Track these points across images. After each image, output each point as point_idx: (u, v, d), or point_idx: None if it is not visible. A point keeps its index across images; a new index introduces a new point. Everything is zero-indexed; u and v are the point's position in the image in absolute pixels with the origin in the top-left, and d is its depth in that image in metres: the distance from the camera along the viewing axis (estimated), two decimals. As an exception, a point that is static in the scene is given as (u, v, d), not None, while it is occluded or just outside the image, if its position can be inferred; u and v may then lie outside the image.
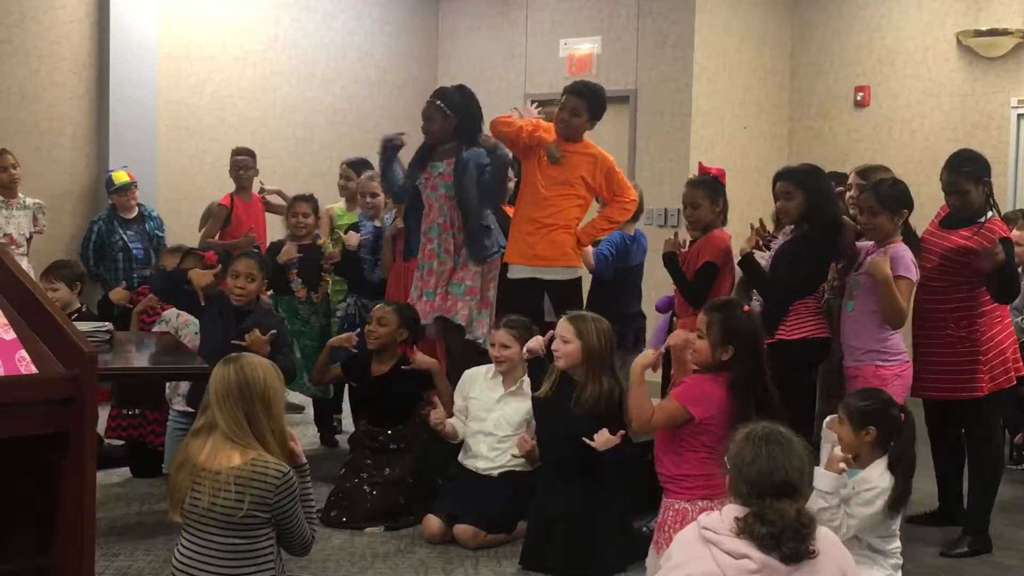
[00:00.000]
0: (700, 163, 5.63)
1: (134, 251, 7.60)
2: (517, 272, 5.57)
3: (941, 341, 4.84)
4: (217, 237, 7.41)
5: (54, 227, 7.90)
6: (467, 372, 5.20)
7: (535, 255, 5.52)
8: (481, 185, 5.50)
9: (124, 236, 7.59)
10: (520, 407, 4.96)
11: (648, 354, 4.13)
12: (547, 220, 5.49)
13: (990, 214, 4.87)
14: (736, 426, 3.15)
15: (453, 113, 5.50)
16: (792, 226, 4.95)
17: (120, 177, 7.66)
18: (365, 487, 5.14)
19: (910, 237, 4.70)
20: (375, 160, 6.26)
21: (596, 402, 4.44)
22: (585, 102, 5.49)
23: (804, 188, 4.84)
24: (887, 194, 4.64)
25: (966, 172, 4.85)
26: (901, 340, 4.68)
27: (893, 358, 4.62)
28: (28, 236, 7.36)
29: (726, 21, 8.88)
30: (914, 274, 4.57)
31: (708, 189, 5.20)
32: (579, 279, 5.64)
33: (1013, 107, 8.49)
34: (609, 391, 4.45)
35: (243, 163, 7.57)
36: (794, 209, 4.86)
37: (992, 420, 4.99)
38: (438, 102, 5.52)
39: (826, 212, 4.84)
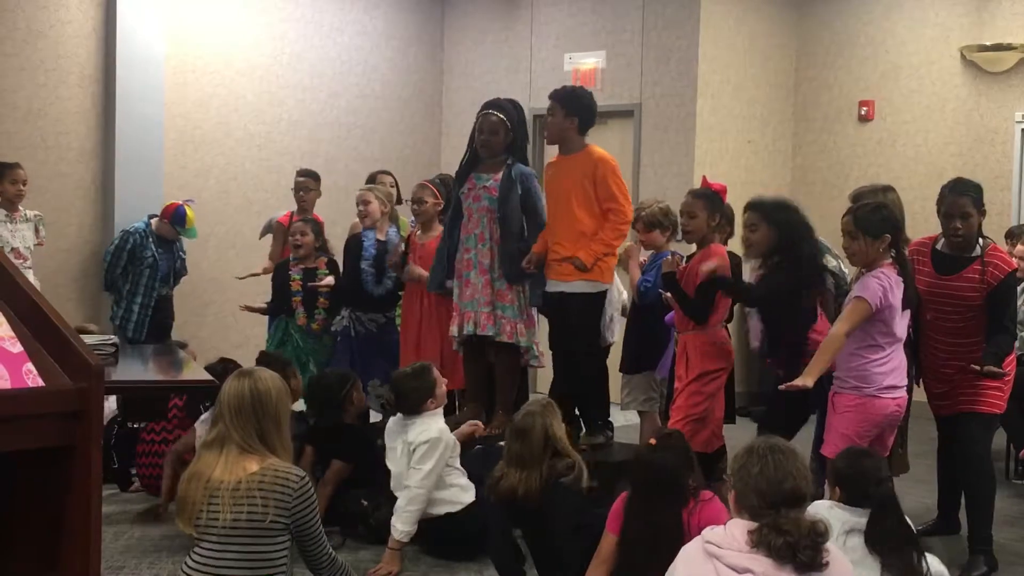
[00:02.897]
0: (704, 177, 5.62)
1: (161, 269, 7.66)
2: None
3: (970, 364, 4.79)
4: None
5: (60, 240, 7.92)
6: None
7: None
8: (525, 205, 5.51)
9: (156, 253, 7.64)
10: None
11: None
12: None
13: (981, 243, 4.84)
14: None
15: (512, 128, 5.52)
16: (760, 259, 4.89)
17: (192, 224, 7.69)
18: (363, 500, 5.18)
19: (903, 262, 4.53)
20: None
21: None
22: (556, 102, 5.47)
23: (770, 222, 4.78)
24: (864, 217, 4.48)
25: (971, 196, 4.79)
26: (877, 372, 4.43)
27: (850, 388, 4.45)
28: (31, 248, 7.38)
29: (730, 36, 8.90)
30: (875, 297, 4.34)
31: (707, 201, 5.13)
32: (588, 295, 5.64)
33: (1017, 122, 8.50)
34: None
35: (304, 185, 7.54)
36: (759, 241, 4.80)
37: (989, 438, 5.02)
38: (501, 115, 5.49)
39: (800, 245, 4.78)
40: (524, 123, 5.62)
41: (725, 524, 2.93)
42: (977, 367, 4.66)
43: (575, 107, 5.49)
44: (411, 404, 4.86)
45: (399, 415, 4.96)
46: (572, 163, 5.50)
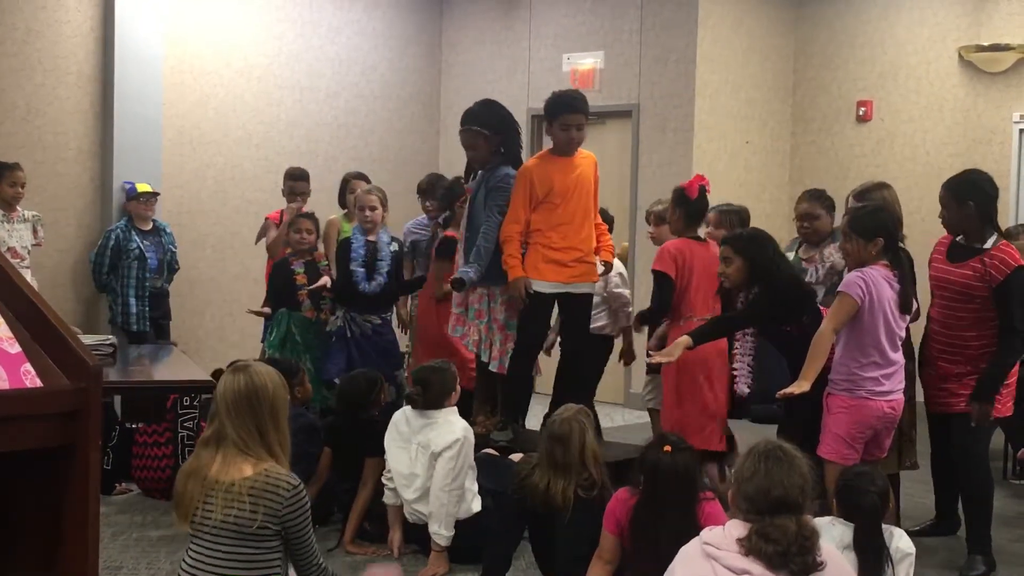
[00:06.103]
0: (698, 175, 5.68)
1: (149, 260, 7.64)
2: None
3: (974, 366, 4.81)
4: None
5: (58, 241, 7.92)
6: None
7: None
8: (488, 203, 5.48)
9: (141, 245, 7.63)
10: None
11: None
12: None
13: (992, 239, 4.84)
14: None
15: (492, 132, 5.43)
16: (741, 294, 4.93)
17: (144, 186, 7.77)
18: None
19: (898, 263, 4.54)
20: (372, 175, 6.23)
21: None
22: (582, 115, 5.41)
23: (743, 255, 4.81)
24: (859, 219, 4.57)
25: (948, 187, 4.92)
26: (867, 376, 4.45)
27: (842, 390, 4.48)
28: (29, 248, 7.37)
29: (729, 36, 8.90)
30: (855, 290, 4.40)
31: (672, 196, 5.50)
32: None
33: (1015, 122, 8.51)
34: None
35: (297, 188, 7.53)
36: (734, 273, 4.83)
37: (987, 438, 5.01)
38: (475, 127, 5.40)
39: (775, 277, 4.81)
40: (505, 120, 5.50)
41: (724, 525, 2.94)
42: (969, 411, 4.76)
43: (552, 111, 5.43)
44: (434, 396, 4.88)
45: (412, 413, 4.94)
46: (580, 164, 5.46)
